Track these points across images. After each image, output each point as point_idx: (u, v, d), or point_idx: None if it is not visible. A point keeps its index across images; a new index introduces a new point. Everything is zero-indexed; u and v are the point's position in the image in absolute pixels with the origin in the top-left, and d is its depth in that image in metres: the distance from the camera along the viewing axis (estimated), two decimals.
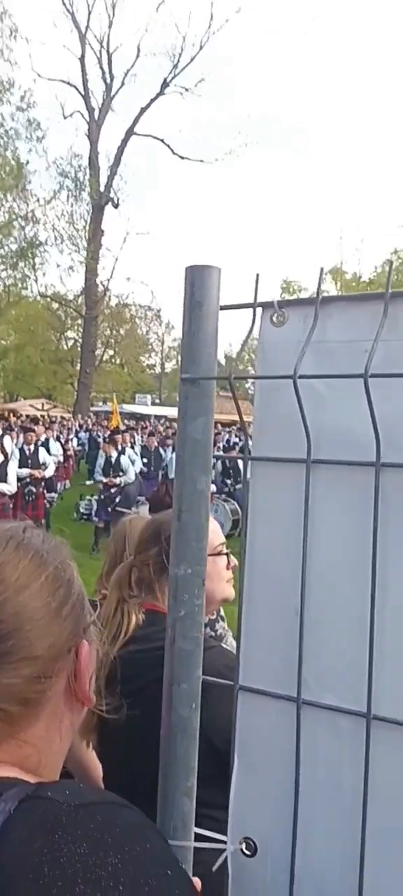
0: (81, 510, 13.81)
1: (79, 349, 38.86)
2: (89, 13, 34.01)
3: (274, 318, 0.76)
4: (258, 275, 0.75)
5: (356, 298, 0.73)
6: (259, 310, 0.76)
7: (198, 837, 0.78)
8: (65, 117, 34.41)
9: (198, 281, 0.76)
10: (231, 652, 2.00)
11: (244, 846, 0.78)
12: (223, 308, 0.77)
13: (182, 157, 35.55)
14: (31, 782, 0.63)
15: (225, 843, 0.78)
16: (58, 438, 17.52)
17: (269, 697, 0.77)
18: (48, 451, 12.63)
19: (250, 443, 0.78)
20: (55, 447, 15.30)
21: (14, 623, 0.67)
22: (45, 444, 13.05)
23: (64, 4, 33.35)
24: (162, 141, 35.30)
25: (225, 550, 1.75)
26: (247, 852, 0.78)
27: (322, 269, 0.73)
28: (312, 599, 0.75)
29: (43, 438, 13.47)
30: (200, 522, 0.77)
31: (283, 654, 0.76)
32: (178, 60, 33.25)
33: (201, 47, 32.44)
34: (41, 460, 11.32)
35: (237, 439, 17.45)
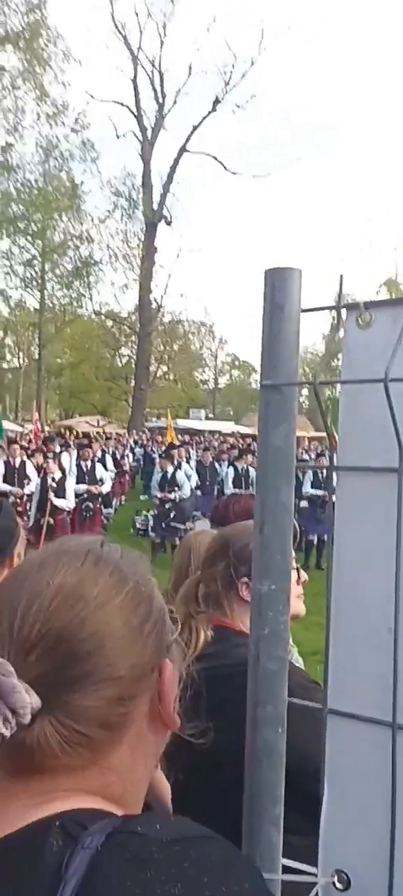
0: (138, 525, 13.95)
1: (133, 366, 39.44)
2: (141, 34, 34.81)
3: (360, 320, 0.72)
4: (342, 276, 0.72)
5: None
6: (343, 312, 0.72)
7: (286, 869, 0.74)
8: (118, 137, 35.21)
9: (278, 283, 0.73)
10: (301, 669, 1.94)
11: (336, 879, 0.74)
12: (304, 311, 0.74)
13: (234, 173, 35.75)
14: (117, 814, 0.61)
15: (315, 875, 0.74)
16: (113, 455, 17.76)
17: (361, 721, 0.72)
18: (104, 466, 12.81)
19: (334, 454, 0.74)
20: (111, 463, 15.50)
21: (94, 642, 0.64)
22: (101, 460, 13.25)
23: (116, 26, 34.25)
24: (214, 157, 35.61)
25: (294, 565, 1.71)
26: (340, 886, 0.73)
27: None
28: None
29: (99, 455, 13.67)
30: (284, 535, 0.73)
31: (376, 675, 0.71)
32: (230, 78, 33.53)
33: (252, 64, 32.62)
34: (97, 476, 11.49)
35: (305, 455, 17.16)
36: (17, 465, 10.93)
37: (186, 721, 1.36)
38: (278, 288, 0.73)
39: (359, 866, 0.73)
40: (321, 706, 0.73)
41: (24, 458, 11.33)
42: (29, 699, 0.60)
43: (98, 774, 0.64)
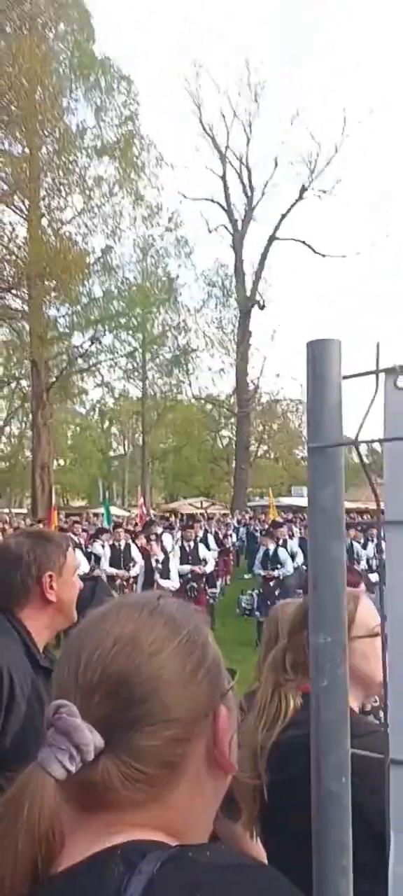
0: (243, 605, 13.86)
1: (233, 446, 39.92)
2: (228, 134, 36.72)
3: (398, 383, 0.77)
4: (378, 343, 0.77)
5: None
6: (382, 375, 0.77)
7: None
8: (210, 232, 36.88)
9: (318, 354, 0.79)
10: (365, 718, 1.88)
11: None
12: (345, 378, 0.80)
13: (323, 255, 36.22)
14: (173, 845, 0.65)
15: None
16: (216, 535, 17.88)
17: None
18: (207, 546, 12.94)
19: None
20: (213, 543, 15.61)
21: (150, 686, 0.69)
22: (204, 540, 13.40)
23: (204, 129, 36.39)
24: (302, 242, 36.32)
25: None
26: None
27: None
28: None
29: (201, 535, 13.84)
30: (337, 590, 0.77)
31: None
32: (315, 166, 34.48)
33: (336, 150, 33.41)
34: (201, 556, 11.62)
35: None
36: (123, 549, 11.30)
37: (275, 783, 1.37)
38: (319, 358, 0.79)
39: None
40: (382, 755, 0.75)
41: (129, 541, 11.69)
42: (92, 738, 0.66)
43: (159, 811, 0.69)
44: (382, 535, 0.77)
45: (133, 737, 0.68)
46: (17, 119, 16.70)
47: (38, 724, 1.82)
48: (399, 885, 0.74)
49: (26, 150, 21.05)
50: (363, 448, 0.76)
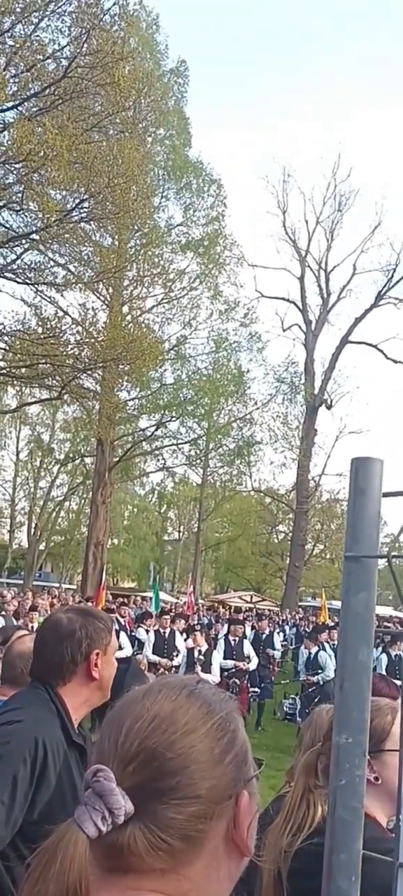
0: (285, 709, 13.38)
1: (289, 543, 39.38)
2: (309, 239, 37.89)
3: None
4: None
5: None
6: None
7: None
8: (284, 330, 37.65)
9: (361, 470, 0.87)
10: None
11: None
12: (386, 495, 0.87)
13: (395, 362, 36.22)
14: None
15: None
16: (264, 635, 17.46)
17: None
18: (273, 645, 12.69)
19: None
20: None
21: (181, 762, 0.74)
22: (270, 638, 13.14)
23: (286, 233, 37.69)
24: (375, 347, 36.52)
25: None
26: None
27: None
28: None
29: (249, 632, 13.59)
30: (362, 693, 0.82)
31: None
32: (392, 275, 34.98)
33: None
34: (245, 653, 11.40)
35: None
36: (167, 636, 11.22)
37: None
38: (361, 474, 0.87)
39: None
40: (392, 860, 0.77)
41: (175, 629, 11.58)
42: (124, 803, 0.72)
43: (176, 882, 0.73)
44: None
45: (160, 808, 0.73)
46: (110, 214, 17.77)
47: (67, 799, 1.86)
48: None
49: (115, 242, 22.35)
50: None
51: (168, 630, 11.21)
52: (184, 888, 0.73)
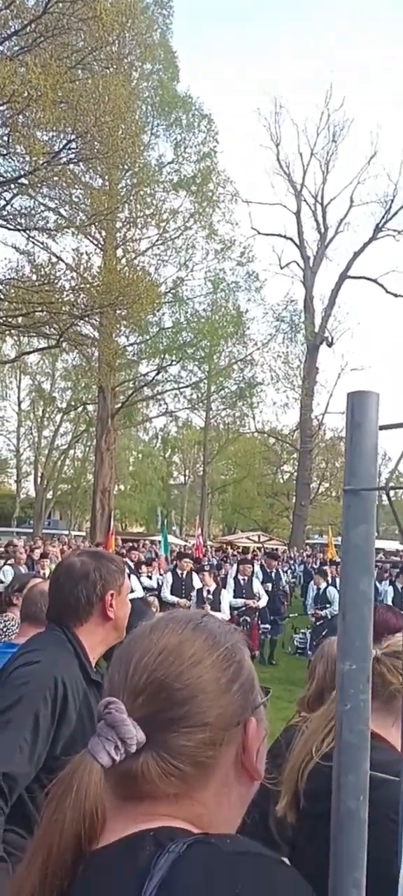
0: (296, 643, 13.67)
1: (294, 482, 39.58)
2: (304, 172, 37.04)
3: None
4: None
5: None
6: None
7: None
8: (281, 267, 37.09)
9: (357, 405, 0.87)
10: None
11: None
12: (382, 428, 0.87)
13: (395, 296, 35.76)
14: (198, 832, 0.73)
15: None
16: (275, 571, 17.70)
17: None
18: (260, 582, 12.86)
19: None
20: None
21: (188, 692, 0.77)
22: (258, 576, 13.31)
23: (280, 166, 36.83)
24: (375, 281, 36.00)
25: None
26: None
27: None
28: None
29: (257, 570, 13.78)
30: (364, 622, 0.84)
31: None
32: (390, 206, 34.27)
33: None
34: (254, 591, 11.57)
35: None
36: (185, 577, 11.36)
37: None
38: (357, 409, 0.87)
39: None
40: (399, 779, 0.80)
41: (193, 570, 11.72)
42: (135, 733, 0.76)
43: (189, 806, 0.77)
44: None
45: (171, 736, 0.77)
46: (98, 154, 17.37)
47: (87, 734, 1.92)
48: None
49: (106, 183, 21.87)
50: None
51: (186, 571, 11.34)
52: (196, 812, 0.77)
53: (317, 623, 11.51)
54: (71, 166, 18.25)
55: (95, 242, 23.94)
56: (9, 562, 11.35)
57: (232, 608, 10.78)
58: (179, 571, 11.33)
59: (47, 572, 11.26)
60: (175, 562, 12.49)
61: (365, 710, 0.83)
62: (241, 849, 0.69)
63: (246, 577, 11.67)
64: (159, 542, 20.36)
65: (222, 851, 0.67)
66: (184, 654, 0.80)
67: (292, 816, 1.54)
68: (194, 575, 11.40)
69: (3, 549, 13.73)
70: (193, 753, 0.77)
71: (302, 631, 13.67)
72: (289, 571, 22.61)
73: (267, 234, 36.99)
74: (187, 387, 31.12)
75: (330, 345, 36.10)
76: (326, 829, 1.31)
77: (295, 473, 39.32)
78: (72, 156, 17.54)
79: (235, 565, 13.20)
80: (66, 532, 39.02)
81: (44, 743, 1.78)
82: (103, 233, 23.33)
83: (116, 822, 0.76)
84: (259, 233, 35.79)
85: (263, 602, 11.82)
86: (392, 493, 0.85)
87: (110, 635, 2.05)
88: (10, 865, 1.56)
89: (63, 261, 20.09)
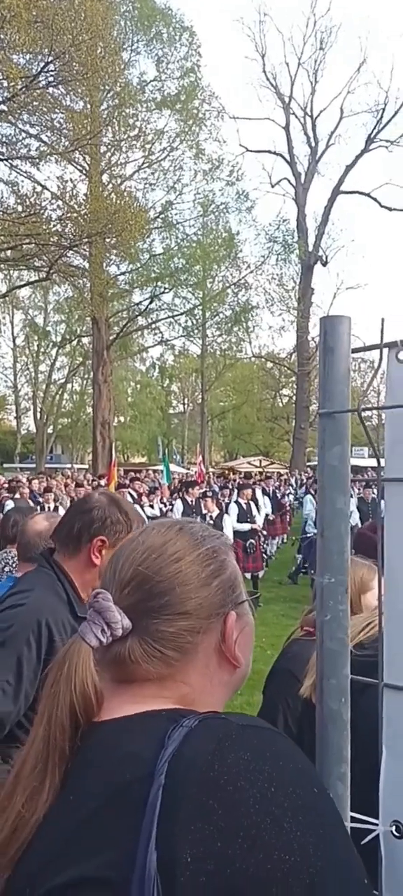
0: (299, 563, 13.96)
1: (293, 406, 39.62)
2: (292, 83, 35.74)
3: (400, 356, 0.86)
4: (383, 319, 0.86)
5: None
6: (385, 350, 0.86)
7: (353, 820, 0.87)
8: (272, 185, 36.21)
9: (329, 329, 0.89)
10: None
11: (394, 829, 0.85)
12: (354, 351, 0.89)
13: (390, 209, 34.96)
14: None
15: (376, 825, 0.86)
16: (274, 493, 17.91)
17: None
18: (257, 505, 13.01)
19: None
20: (263, 500, 15.62)
21: (168, 584, 0.86)
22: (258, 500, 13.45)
23: (267, 78, 35.52)
24: (368, 195, 35.14)
25: None
26: (397, 835, 0.85)
27: None
28: None
29: (259, 494, 13.93)
30: (341, 538, 0.88)
31: None
32: (382, 115, 33.17)
33: None
34: (254, 514, 11.75)
35: None
36: (194, 504, 11.50)
37: None
38: (330, 333, 0.89)
39: None
40: (377, 681, 0.86)
41: (201, 497, 11.85)
42: (120, 619, 0.85)
43: (175, 686, 0.85)
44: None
45: (153, 622, 0.85)
46: (78, 75, 16.77)
47: None
48: (388, 793, 0.86)
49: (87, 106, 21.14)
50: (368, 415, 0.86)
51: (195, 498, 11.49)
52: (182, 691, 0.86)
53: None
54: (50, 90, 17.67)
55: (80, 169, 23.30)
56: (14, 497, 11.48)
57: (236, 533, 10.94)
58: (189, 499, 11.47)
59: (52, 506, 11.42)
60: (182, 490, 12.63)
61: (344, 619, 0.88)
62: (249, 722, 0.76)
63: (247, 501, 11.81)
64: (161, 471, 20.57)
65: (232, 724, 0.75)
66: (167, 552, 0.88)
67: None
68: (203, 502, 11.53)
69: (7, 484, 13.89)
70: (174, 639, 0.85)
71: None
72: (292, 494, 22.86)
73: (256, 152, 36.06)
74: (181, 314, 30.85)
75: (324, 264, 35.55)
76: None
77: (294, 397, 39.32)
78: (51, 78, 16.99)
79: (236, 490, 13.34)
80: (69, 465, 39.28)
81: (31, 684, 1.82)
82: (88, 158, 22.67)
83: (113, 703, 0.84)
84: (248, 150, 34.87)
85: (260, 521, 11.96)
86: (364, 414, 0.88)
87: (97, 583, 2.05)
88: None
89: (48, 189, 19.69)
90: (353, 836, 0.83)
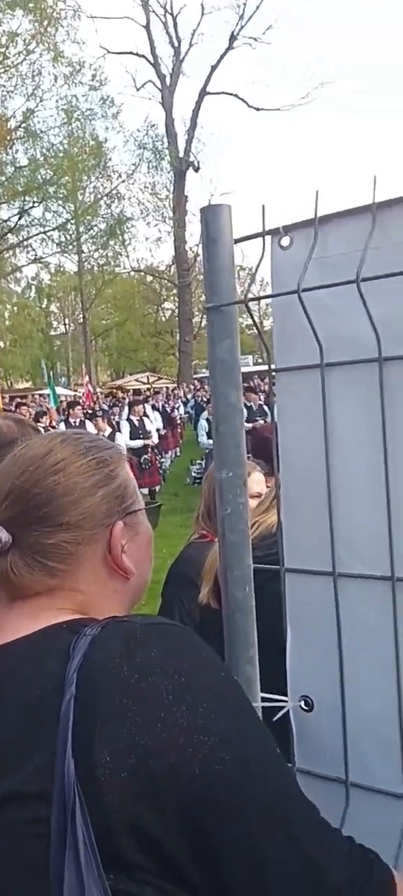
0: (193, 474, 14.23)
1: (176, 319, 39.42)
2: None
3: (282, 243, 0.85)
4: (264, 206, 0.84)
5: (348, 213, 0.80)
6: (268, 237, 0.85)
7: (264, 700, 0.91)
8: (137, 89, 34.73)
9: (211, 219, 0.86)
10: None
11: (302, 703, 0.90)
12: (237, 241, 0.87)
13: (257, 109, 34.75)
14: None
15: (286, 701, 0.91)
16: (163, 408, 17.97)
17: (310, 574, 0.88)
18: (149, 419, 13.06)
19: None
20: (154, 416, 15.67)
21: (46, 496, 0.83)
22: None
23: None
24: (235, 95, 34.66)
25: None
26: (306, 708, 0.90)
27: (317, 192, 0.81)
28: (338, 484, 0.85)
29: (149, 409, 13.93)
30: (236, 432, 0.88)
31: (318, 535, 0.87)
32: (243, 10, 32.44)
33: None
34: (148, 430, 11.78)
35: None
36: (78, 426, 11.30)
37: None
38: (211, 223, 0.86)
39: (320, 692, 0.90)
40: (279, 567, 0.89)
41: (84, 419, 11.69)
42: (1, 534, 0.82)
43: (66, 595, 0.84)
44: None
45: (32, 535, 0.83)
46: None
47: None
48: (295, 669, 0.90)
49: None
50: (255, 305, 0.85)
51: (78, 420, 11.24)
52: (76, 599, 0.85)
53: (211, 452, 11.97)
54: None
55: None
56: None
57: (130, 450, 10.92)
58: (72, 420, 11.26)
59: None
60: (67, 411, 12.42)
61: (244, 511, 0.89)
62: (152, 621, 0.77)
63: (139, 418, 11.79)
64: (47, 395, 19.91)
65: (135, 625, 0.75)
66: (47, 463, 0.85)
67: (215, 602, 1.67)
68: (87, 423, 11.36)
69: None
70: (55, 550, 0.83)
71: (198, 462, 14.21)
72: (182, 407, 23.05)
73: (117, 53, 34.27)
74: (54, 229, 29.33)
75: (196, 169, 34.94)
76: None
77: (177, 310, 39.08)
78: None
79: (127, 408, 13.24)
80: None
81: None
82: None
83: (11, 620, 0.82)
84: (108, 52, 32.94)
85: (155, 438, 12.05)
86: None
87: None
88: None
89: None
90: (265, 715, 0.88)
